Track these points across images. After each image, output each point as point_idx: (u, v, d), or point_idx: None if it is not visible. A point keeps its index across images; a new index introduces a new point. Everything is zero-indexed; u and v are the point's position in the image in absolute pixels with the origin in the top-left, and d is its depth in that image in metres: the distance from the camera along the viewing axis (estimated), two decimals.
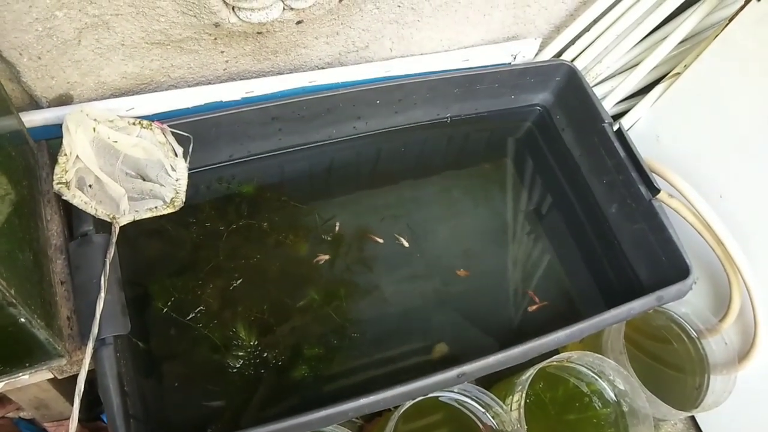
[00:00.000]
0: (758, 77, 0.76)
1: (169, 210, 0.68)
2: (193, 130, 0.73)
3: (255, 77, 0.78)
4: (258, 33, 0.71)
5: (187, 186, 0.71)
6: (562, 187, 0.94)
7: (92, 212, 0.62)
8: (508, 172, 0.96)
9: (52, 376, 0.59)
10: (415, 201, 0.91)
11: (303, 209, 0.84)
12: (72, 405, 0.54)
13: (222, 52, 0.73)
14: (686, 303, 0.87)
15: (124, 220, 0.64)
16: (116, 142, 0.67)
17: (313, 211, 0.84)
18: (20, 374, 0.55)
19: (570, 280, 0.88)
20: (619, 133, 0.84)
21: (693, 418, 0.96)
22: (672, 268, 0.78)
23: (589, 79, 0.94)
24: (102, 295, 0.58)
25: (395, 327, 0.79)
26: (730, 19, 0.78)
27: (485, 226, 0.91)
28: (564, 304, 0.86)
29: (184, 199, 0.70)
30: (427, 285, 0.83)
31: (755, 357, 0.80)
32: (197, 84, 0.77)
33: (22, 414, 0.75)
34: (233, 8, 0.65)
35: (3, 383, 0.56)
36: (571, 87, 0.90)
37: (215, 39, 0.70)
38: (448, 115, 0.92)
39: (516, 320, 0.83)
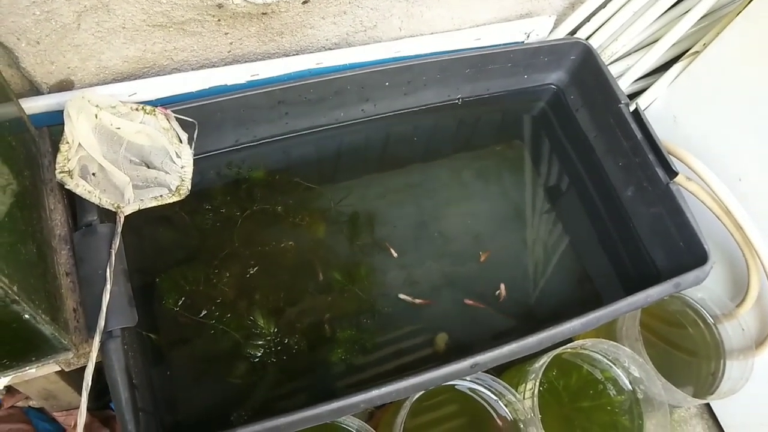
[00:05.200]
0: None
1: (175, 198, 0.67)
2: (197, 115, 0.71)
3: (260, 59, 0.76)
4: (263, 14, 0.68)
5: (193, 172, 0.70)
6: (576, 169, 0.92)
7: (96, 201, 0.61)
8: (521, 154, 0.94)
9: (59, 369, 0.58)
10: (426, 184, 0.89)
11: (316, 190, 0.83)
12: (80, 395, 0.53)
13: (226, 33, 0.71)
14: (703, 288, 0.85)
15: (129, 210, 0.63)
16: (119, 128, 0.66)
17: (326, 193, 0.83)
18: (27, 368, 0.54)
19: (585, 264, 0.86)
20: (636, 114, 0.81)
21: (707, 403, 0.95)
22: (689, 254, 0.76)
23: (605, 57, 0.91)
24: (108, 287, 0.57)
25: (410, 310, 0.78)
26: None
27: (498, 209, 0.89)
28: (579, 290, 0.85)
29: (189, 187, 0.68)
30: (438, 268, 0.82)
31: None
32: (201, 67, 0.75)
33: (31, 403, 0.74)
34: None
35: (9, 377, 0.55)
36: (586, 66, 0.87)
37: (219, 20, 0.68)
38: (460, 96, 0.90)
39: (529, 305, 0.81)
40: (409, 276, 0.81)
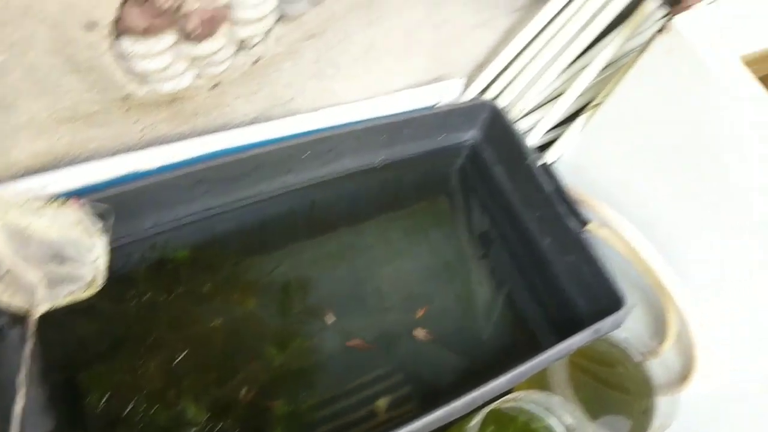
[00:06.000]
0: (674, 106, 0.78)
1: (90, 292, 0.66)
2: (113, 202, 0.70)
3: (175, 141, 0.77)
4: (172, 101, 0.69)
5: (115, 258, 0.69)
6: (498, 222, 0.95)
7: (5, 305, 0.59)
8: (445, 210, 0.97)
9: None
10: (357, 246, 0.90)
11: (244, 264, 0.83)
12: None
13: (136, 120, 0.71)
14: (626, 328, 0.88)
15: (41, 310, 0.61)
16: (30, 224, 0.64)
17: (255, 265, 0.83)
18: None
19: (515, 312, 0.88)
20: (545, 168, 0.85)
21: None
22: (607, 299, 0.79)
23: (516, 112, 0.95)
24: (20, 396, 0.55)
25: (350, 376, 0.78)
26: (642, 51, 0.81)
27: (429, 264, 0.90)
28: (511, 337, 0.86)
29: (104, 279, 0.67)
30: (372, 328, 0.82)
31: (695, 378, 0.82)
32: (114, 154, 0.74)
33: None
34: (141, 80, 0.64)
35: None
36: (495, 125, 0.91)
37: (127, 110, 0.69)
38: (380, 159, 0.92)
39: (467, 356, 0.83)
40: (347, 339, 0.81)
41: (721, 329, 0.79)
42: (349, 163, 0.89)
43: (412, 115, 0.88)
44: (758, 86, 0.70)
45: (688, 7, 0.74)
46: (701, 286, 0.80)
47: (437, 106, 0.93)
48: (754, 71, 0.73)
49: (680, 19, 0.73)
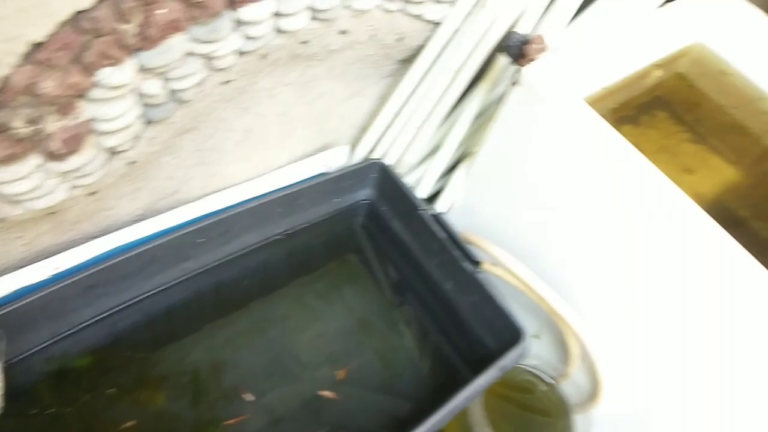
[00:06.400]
0: (534, 148, 0.85)
1: None
2: (4, 321, 0.69)
3: (64, 249, 0.76)
4: (51, 213, 0.69)
5: (15, 376, 0.68)
6: (404, 272, 0.98)
7: None
8: (354, 267, 0.99)
9: None
10: (270, 317, 0.91)
11: (153, 358, 0.82)
12: None
13: (19, 237, 0.71)
14: (536, 355, 0.93)
15: None
16: None
17: (165, 357, 0.82)
18: None
19: (432, 359, 0.91)
20: (436, 216, 0.90)
21: None
22: (508, 334, 0.83)
23: (403, 167, 1.00)
24: None
25: None
26: (500, 102, 0.87)
27: (345, 323, 0.92)
28: (432, 384, 0.89)
29: (2, 404, 0.65)
30: (298, 398, 0.83)
31: (603, 397, 0.86)
32: (1, 273, 0.73)
33: None
34: (14, 202, 0.64)
35: None
36: (386, 181, 0.95)
37: (7, 229, 0.68)
38: (281, 230, 0.94)
39: (395, 408, 0.84)
40: (270, 416, 0.81)
41: (621, 349, 0.84)
42: (251, 238, 0.91)
43: (304, 184, 0.91)
44: (602, 122, 0.77)
45: (532, 60, 0.81)
46: (597, 310, 0.85)
47: (327, 172, 0.96)
48: (599, 108, 0.81)
49: (528, 71, 0.80)
